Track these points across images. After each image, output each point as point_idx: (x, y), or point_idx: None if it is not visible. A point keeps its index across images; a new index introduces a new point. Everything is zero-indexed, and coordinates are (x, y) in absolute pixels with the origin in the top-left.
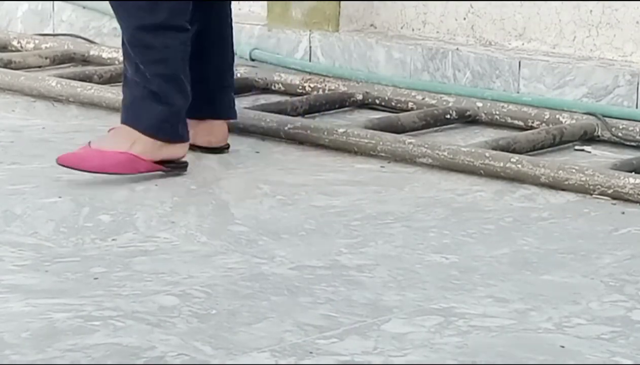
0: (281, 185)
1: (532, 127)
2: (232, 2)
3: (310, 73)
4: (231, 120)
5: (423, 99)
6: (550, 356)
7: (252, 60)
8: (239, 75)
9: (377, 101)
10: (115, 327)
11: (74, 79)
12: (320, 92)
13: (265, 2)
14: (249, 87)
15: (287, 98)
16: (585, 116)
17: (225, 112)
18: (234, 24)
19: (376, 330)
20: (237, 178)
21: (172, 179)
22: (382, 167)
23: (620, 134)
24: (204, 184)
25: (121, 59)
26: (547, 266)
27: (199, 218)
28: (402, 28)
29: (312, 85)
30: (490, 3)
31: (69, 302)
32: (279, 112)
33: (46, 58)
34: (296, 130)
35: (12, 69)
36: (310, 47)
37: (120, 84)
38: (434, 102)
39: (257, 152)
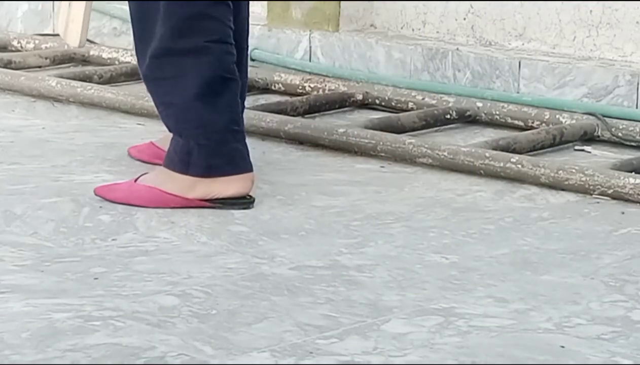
0: (281, 185)
1: (532, 127)
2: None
3: (310, 73)
4: None
5: (423, 99)
6: (550, 356)
7: (252, 60)
8: None
9: (377, 101)
10: (115, 327)
11: (74, 79)
12: (320, 92)
13: (265, 2)
14: (249, 87)
15: (287, 98)
16: (585, 116)
17: None
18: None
19: (376, 330)
20: None
21: None
22: (382, 167)
23: (620, 134)
24: None
25: (121, 58)
26: (547, 266)
27: (199, 218)
28: (402, 28)
29: (312, 85)
30: (490, 3)
31: (69, 302)
32: (279, 112)
33: (46, 58)
34: (296, 130)
35: (12, 69)
36: (310, 47)
37: (120, 83)
38: (434, 102)
39: (257, 152)
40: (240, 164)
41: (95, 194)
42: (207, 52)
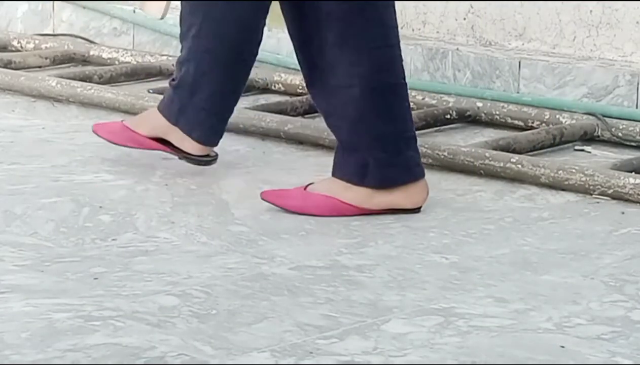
0: (281, 185)
1: (532, 127)
2: None
3: None
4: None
5: (423, 99)
6: (550, 356)
7: None
8: None
9: None
10: (115, 327)
11: (74, 79)
12: None
13: None
14: (249, 87)
15: (287, 98)
16: (585, 116)
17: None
18: None
19: (376, 330)
20: (237, 178)
21: (172, 179)
22: None
23: (620, 134)
24: (204, 184)
25: (121, 58)
26: (547, 266)
27: (199, 218)
28: (402, 28)
29: None
30: (490, 3)
31: (69, 302)
32: (279, 112)
33: (46, 58)
34: (296, 130)
35: (12, 69)
36: None
37: (120, 83)
38: (434, 102)
39: (257, 152)
40: (414, 171)
41: (262, 199)
42: (374, 60)
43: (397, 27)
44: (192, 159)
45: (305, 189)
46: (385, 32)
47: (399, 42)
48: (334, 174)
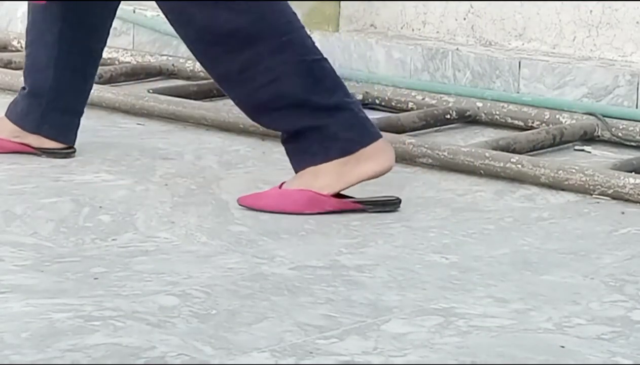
0: None
1: (532, 127)
2: None
3: None
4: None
5: (423, 99)
6: (550, 356)
7: None
8: None
9: (377, 101)
10: (115, 327)
11: None
12: None
13: None
14: None
15: None
16: (585, 116)
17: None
18: None
19: (376, 330)
20: (237, 178)
21: (172, 179)
22: None
23: (620, 134)
24: (204, 184)
25: (121, 58)
26: (547, 266)
27: (199, 218)
28: (402, 28)
29: None
30: (490, 3)
31: (69, 302)
32: None
33: None
34: None
35: (12, 69)
36: None
37: (120, 83)
38: (434, 102)
39: (257, 152)
40: (373, 131)
41: (240, 204)
42: (290, 45)
43: (294, 13)
44: (55, 153)
45: (280, 187)
46: (291, 18)
47: (303, 26)
48: (299, 168)
